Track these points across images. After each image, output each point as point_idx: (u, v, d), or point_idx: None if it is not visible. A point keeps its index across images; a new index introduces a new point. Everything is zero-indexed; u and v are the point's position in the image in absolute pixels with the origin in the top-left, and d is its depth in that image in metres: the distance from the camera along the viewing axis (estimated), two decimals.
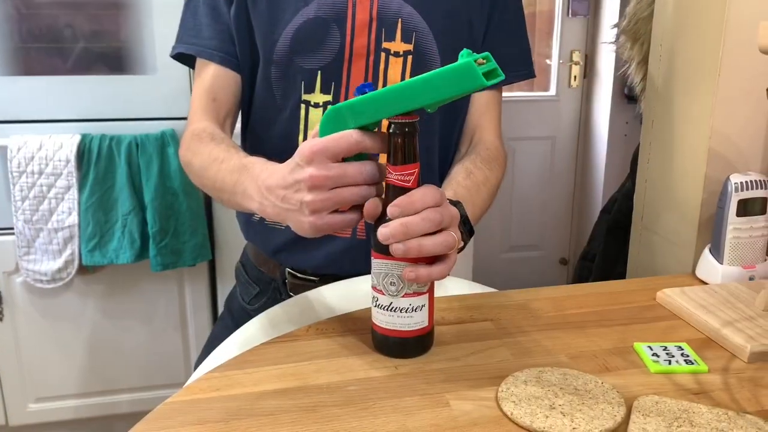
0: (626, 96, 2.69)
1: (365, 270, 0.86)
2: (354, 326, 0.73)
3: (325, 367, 0.65)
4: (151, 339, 1.88)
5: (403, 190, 0.60)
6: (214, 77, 0.90)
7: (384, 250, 0.61)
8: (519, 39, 0.97)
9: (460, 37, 0.90)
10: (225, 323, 1.08)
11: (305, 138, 0.89)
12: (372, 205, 0.62)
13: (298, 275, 0.96)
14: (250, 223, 0.98)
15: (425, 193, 0.60)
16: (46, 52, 1.70)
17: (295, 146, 0.88)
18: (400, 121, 0.60)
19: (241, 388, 0.61)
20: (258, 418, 0.57)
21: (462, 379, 0.63)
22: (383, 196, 0.62)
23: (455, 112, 0.94)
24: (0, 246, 1.73)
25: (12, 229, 1.70)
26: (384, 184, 0.62)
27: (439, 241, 0.60)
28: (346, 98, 0.86)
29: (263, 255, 0.99)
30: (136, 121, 1.73)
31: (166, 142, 1.71)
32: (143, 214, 1.70)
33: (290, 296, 0.95)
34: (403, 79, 0.87)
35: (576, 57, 2.80)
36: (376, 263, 0.63)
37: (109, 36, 1.72)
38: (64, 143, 1.66)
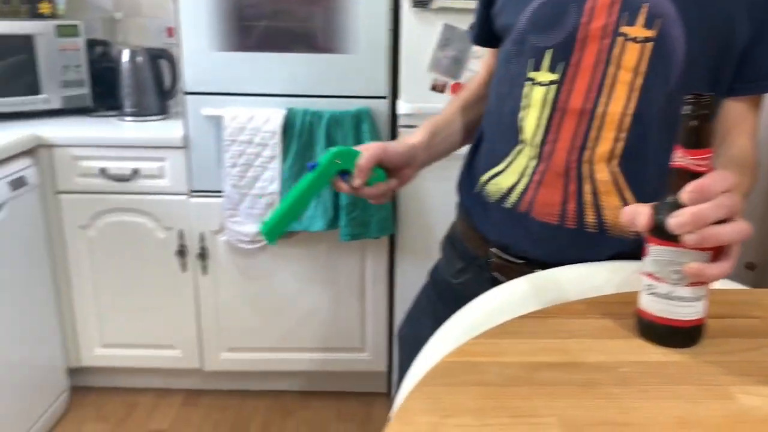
0: None
1: (569, 258, 0.85)
2: (607, 310, 0.72)
3: (592, 347, 0.65)
4: (331, 304, 2.00)
5: (695, 176, 0.59)
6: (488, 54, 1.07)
7: (670, 237, 0.60)
8: None
9: (716, 30, 0.82)
10: (427, 293, 1.12)
11: (523, 116, 0.89)
12: (647, 217, 0.62)
13: (503, 256, 0.96)
14: (470, 193, 1.00)
15: (719, 178, 0.58)
16: (260, 31, 1.83)
17: (516, 122, 0.89)
18: (697, 100, 0.58)
19: (512, 356, 0.63)
20: (535, 387, 0.59)
21: (743, 374, 0.60)
22: (671, 180, 0.61)
23: None
24: (209, 207, 1.91)
25: (221, 192, 1.87)
26: (674, 168, 0.61)
27: (734, 229, 0.58)
28: (573, 80, 0.85)
29: (472, 230, 1.01)
30: (335, 98, 1.82)
31: (362, 119, 1.79)
32: None
33: (492, 276, 0.96)
34: (637, 68, 0.82)
35: None
36: (658, 250, 0.62)
37: (318, 17, 1.82)
38: (272, 117, 1.79)
